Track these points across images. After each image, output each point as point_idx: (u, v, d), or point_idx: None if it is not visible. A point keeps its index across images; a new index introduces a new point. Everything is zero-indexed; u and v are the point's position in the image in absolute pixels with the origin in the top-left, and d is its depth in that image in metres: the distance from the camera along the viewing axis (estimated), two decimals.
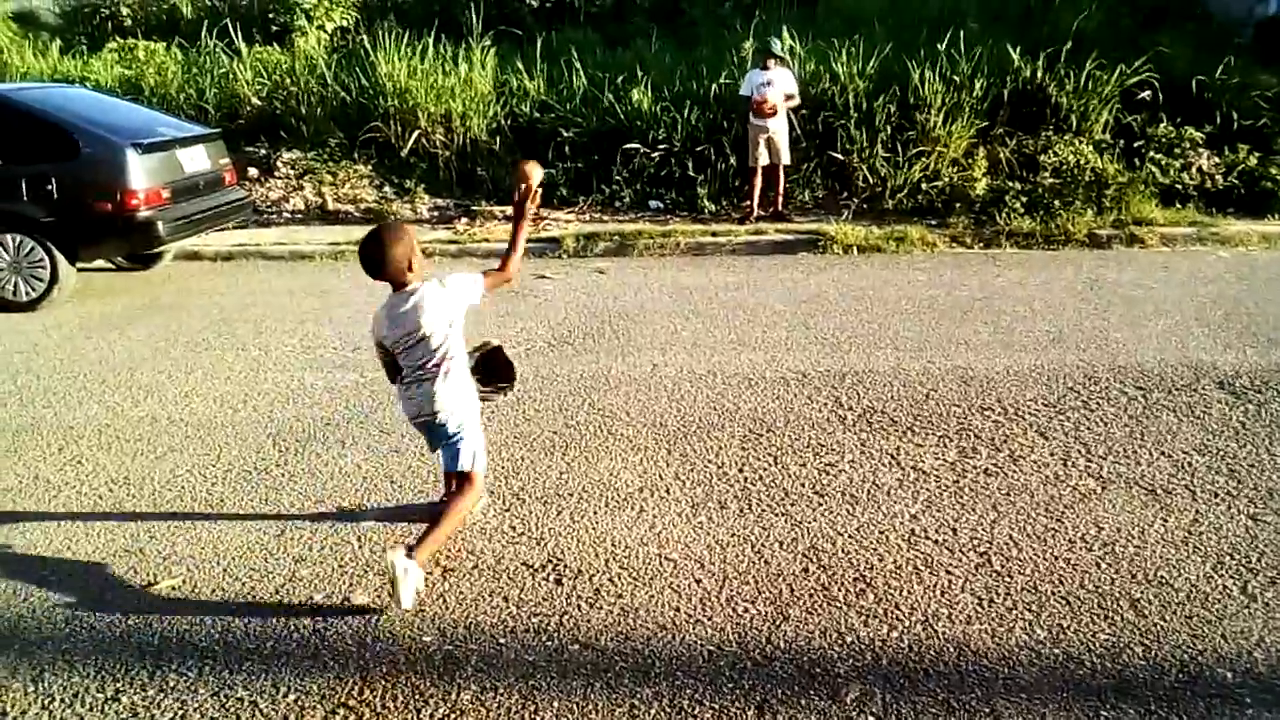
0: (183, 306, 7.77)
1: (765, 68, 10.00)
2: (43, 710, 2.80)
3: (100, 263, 8.65)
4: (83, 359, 6.27)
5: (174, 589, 3.45)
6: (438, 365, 3.34)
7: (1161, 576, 3.36)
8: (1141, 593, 3.26)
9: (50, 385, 5.75)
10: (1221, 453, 4.37)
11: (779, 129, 9.95)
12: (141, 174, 7.48)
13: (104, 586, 3.48)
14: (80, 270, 7.95)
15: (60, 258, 7.52)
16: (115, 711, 2.79)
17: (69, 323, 7.24)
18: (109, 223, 7.48)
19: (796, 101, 10.15)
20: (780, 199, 10.31)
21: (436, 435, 3.45)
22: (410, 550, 3.17)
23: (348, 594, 3.38)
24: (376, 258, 3.24)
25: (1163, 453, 4.39)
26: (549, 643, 3.07)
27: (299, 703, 2.79)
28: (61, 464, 4.59)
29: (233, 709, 2.78)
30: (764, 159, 10.05)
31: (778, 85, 9.91)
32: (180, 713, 2.77)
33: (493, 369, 3.78)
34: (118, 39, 14.28)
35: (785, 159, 10.11)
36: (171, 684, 2.90)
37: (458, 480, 3.50)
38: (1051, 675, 2.85)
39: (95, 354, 6.38)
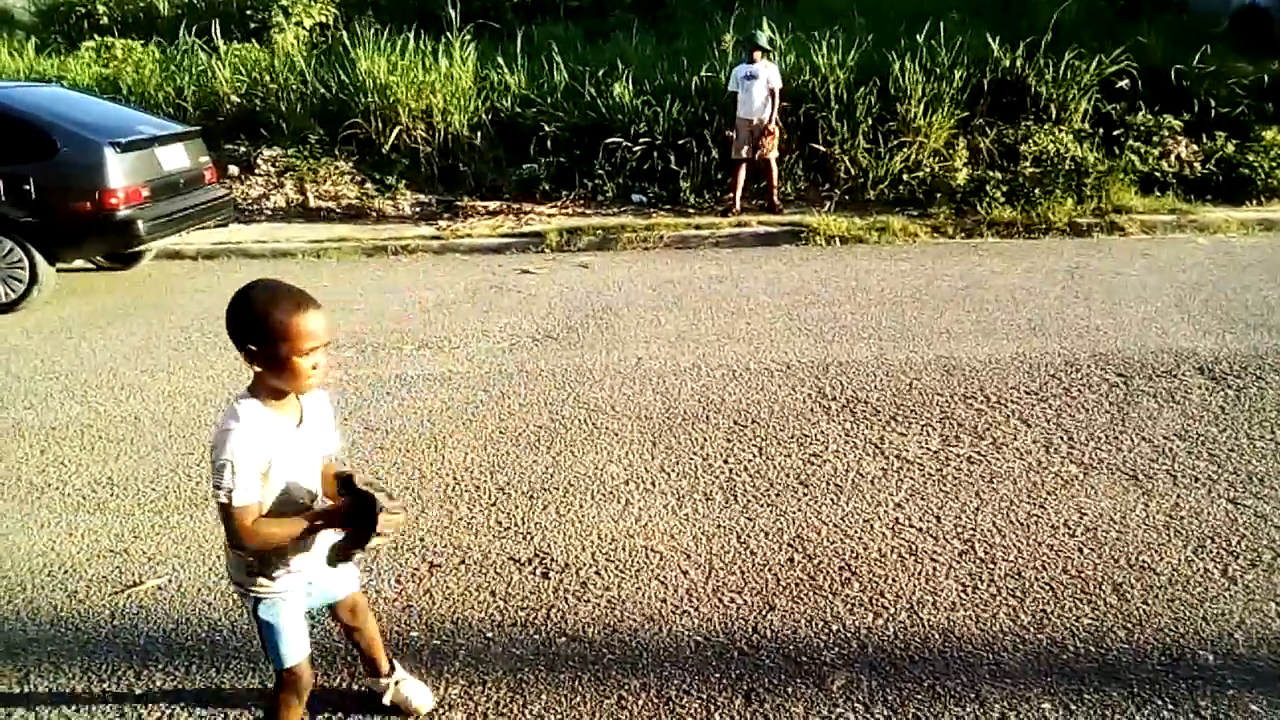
0: (164, 306, 7.73)
1: (751, 60, 10.00)
2: (29, 711, 2.79)
3: (80, 263, 8.60)
4: (64, 359, 6.23)
5: (159, 589, 3.44)
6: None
7: (1143, 561, 3.39)
8: (1124, 577, 3.29)
9: (31, 386, 5.71)
10: (1202, 438, 4.41)
11: (765, 121, 9.93)
12: (120, 173, 7.42)
13: (89, 587, 3.47)
14: (60, 271, 7.89)
15: (39, 258, 7.45)
16: (102, 712, 2.78)
17: (49, 324, 7.19)
18: (88, 222, 7.42)
19: (780, 98, 10.09)
20: (774, 192, 10.31)
21: None
22: None
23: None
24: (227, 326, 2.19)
25: (1144, 438, 4.43)
26: (536, 636, 3.08)
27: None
28: (44, 465, 4.57)
29: (220, 709, 2.77)
30: (747, 152, 10.07)
31: (762, 80, 9.91)
32: (167, 712, 2.76)
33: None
34: (95, 37, 14.19)
35: (773, 152, 10.11)
36: (158, 683, 2.89)
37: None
38: (1036, 660, 2.87)
39: (77, 354, 6.34)
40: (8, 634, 3.20)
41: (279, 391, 2.21)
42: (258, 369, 2.15)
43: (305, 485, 2.30)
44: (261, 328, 2.10)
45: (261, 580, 2.28)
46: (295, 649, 2.37)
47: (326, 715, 2.73)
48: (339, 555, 2.24)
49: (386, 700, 2.75)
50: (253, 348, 2.12)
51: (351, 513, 2.19)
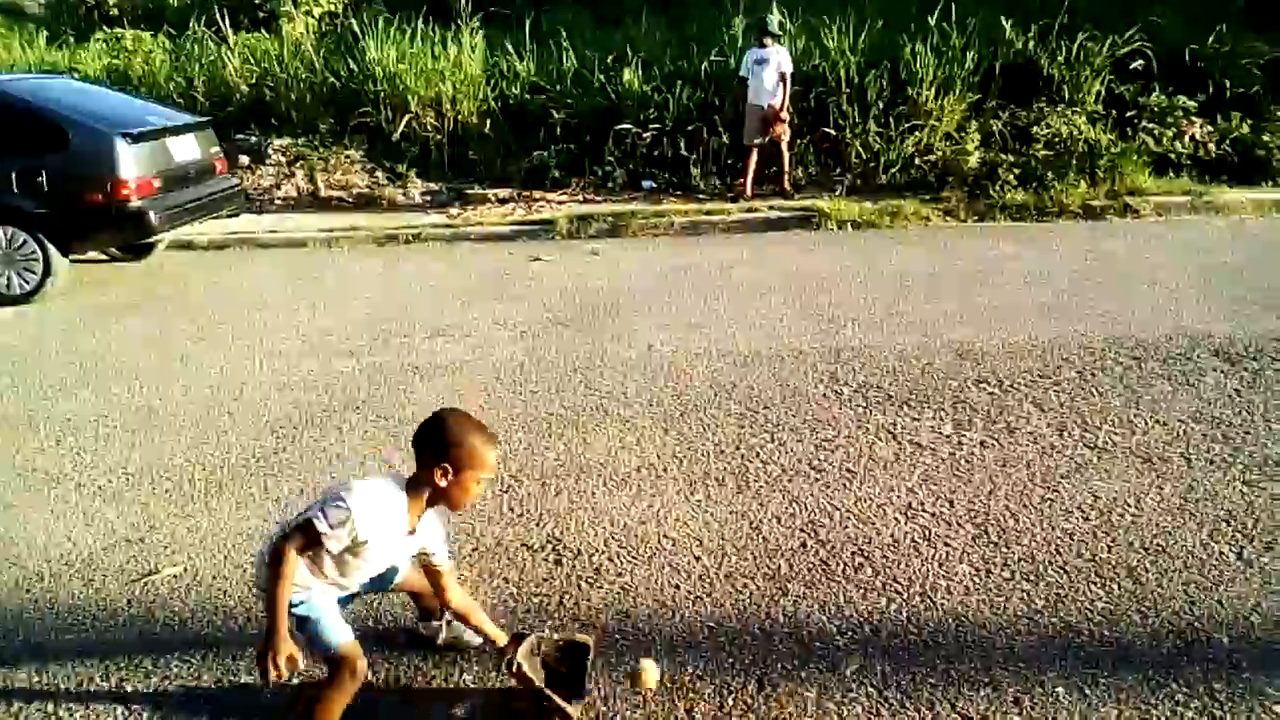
0: (177, 296, 7.76)
1: (762, 45, 9.95)
2: (47, 699, 2.81)
3: (93, 254, 8.63)
4: (78, 350, 6.26)
5: (175, 577, 3.46)
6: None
7: (1158, 544, 3.38)
8: (1138, 560, 3.28)
9: (47, 377, 5.75)
10: (1217, 420, 4.39)
11: (776, 105, 9.88)
12: (132, 164, 7.44)
13: (106, 576, 3.49)
14: (73, 262, 7.92)
15: (52, 250, 7.49)
16: (119, 700, 2.80)
17: (63, 315, 7.22)
18: (100, 214, 7.45)
19: (790, 83, 10.03)
20: (785, 177, 10.28)
21: None
22: None
23: None
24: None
25: (1158, 421, 4.41)
26: (549, 622, 3.09)
27: (301, 688, 2.81)
28: (60, 455, 4.60)
29: (236, 694, 2.79)
30: (758, 136, 10.04)
31: (773, 64, 9.86)
32: (184, 700, 2.79)
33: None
34: (104, 29, 14.21)
35: (784, 136, 10.07)
36: (175, 671, 2.91)
37: None
38: (1050, 644, 2.87)
39: (91, 345, 6.37)
40: (26, 623, 3.22)
41: (422, 500, 2.47)
42: (435, 482, 2.41)
43: (365, 578, 2.58)
44: (459, 451, 2.39)
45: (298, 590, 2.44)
46: (338, 632, 2.48)
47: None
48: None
49: (441, 639, 2.91)
50: (446, 465, 2.39)
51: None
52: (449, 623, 2.91)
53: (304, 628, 2.46)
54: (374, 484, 2.44)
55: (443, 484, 2.41)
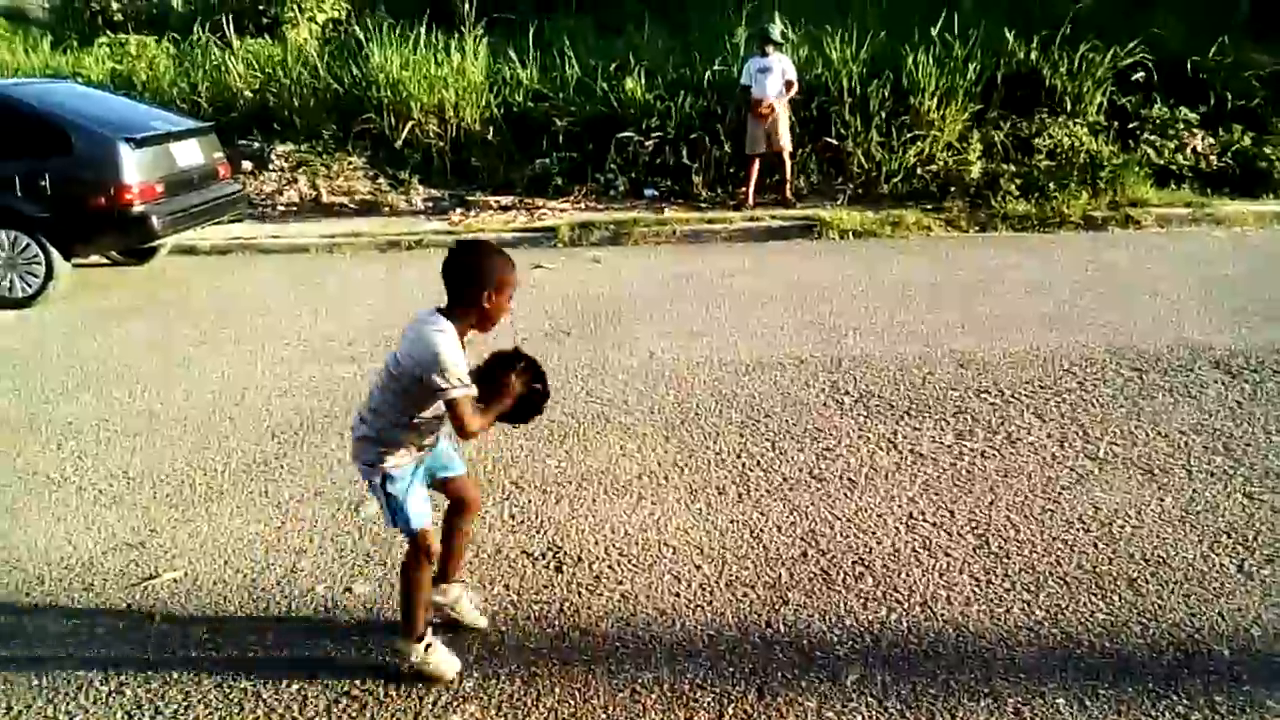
0: (179, 301, 7.76)
1: (764, 54, 9.97)
2: (47, 703, 2.81)
3: (95, 258, 8.64)
4: (80, 354, 6.26)
5: (176, 582, 3.46)
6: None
7: (1159, 556, 3.38)
8: (1139, 572, 3.28)
9: (48, 381, 5.75)
10: (1218, 432, 4.39)
11: (779, 115, 9.91)
12: (135, 168, 7.46)
13: (106, 580, 3.49)
14: (76, 266, 7.93)
15: (55, 254, 7.50)
16: (119, 704, 2.80)
17: (65, 318, 7.23)
18: (103, 218, 7.46)
19: (795, 90, 10.08)
20: (788, 186, 10.29)
21: None
22: (397, 635, 2.91)
23: (349, 584, 3.40)
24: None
25: (1159, 433, 4.41)
26: (549, 630, 3.09)
27: (302, 692, 2.81)
28: (61, 459, 4.60)
29: (236, 699, 2.79)
30: (761, 145, 10.05)
31: (776, 71, 9.89)
32: (184, 704, 2.78)
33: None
34: (108, 34, 14.24)
35: (786, 146, 10.09)
36: (175, 676, 2.91)
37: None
38: (1050, 655, 2.87)
39: (92, 349, 6.38)
40: (26, 627, 3.22)
41: (467, 327, 2.69)
42: (481, 304, 2.65)
43: (437, 430, 2.86)
44: (492, 276, 2.65)
45: (390, 459, 2.74)
46: (420, 515, 2.78)
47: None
48: (524, 418, 2.93)
49: (447, 601, 3.06)
50: (483, 290, 2.63)
51: (524, 392, 2.80)
52: (459, 597, 3.09)
53: (391, 504, 2.76)
54: (429, 329, 2.60)
55: (487, 306, 2.65)
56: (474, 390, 2.63)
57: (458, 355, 2.59)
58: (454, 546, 3.07)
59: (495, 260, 2.69)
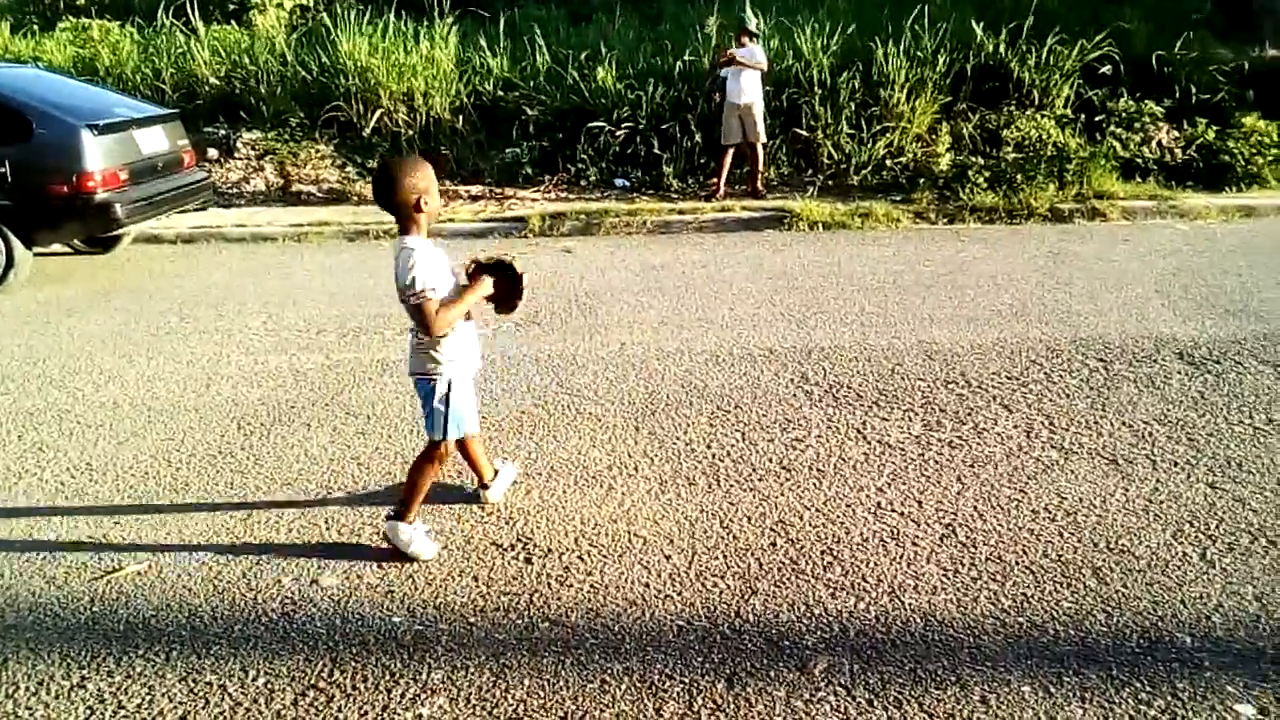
0: (143, 290, 7.66)
1: (740, 44, 9.95)
2: (7, 699, 2.76)
3: (58, 247, 8.50)
4: (41, 344, 6.17)
5: (139, 575, 3.42)
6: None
7: (1123, 544, 3.42)
8: (1103, 561, 3.32)
9: (8, 371, 5.66)
10: (1181, 422, 4.44)
11: (754, 105, 9.88)
12: (98, 155, 7.34)
13: (68, 573, 3.44)
14: (37, 254, 7.80)
15: (15, 242, 7.38)
16: (81, 699, 2.76)
17: (26, 308, 7.11)
18: (65, 206, 7.35)
19: (764, 66, 9.98)
20: (759, 177, 10.29)
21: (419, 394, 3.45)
22: (393, 516, 3.47)
23: (316, 577, 3.37)
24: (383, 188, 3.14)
25: (1124, 423, 4.46)
26: (519, 621, 3.08)
27: (268, 685, 2.78)
28: (22, 451, 4.53)
29: (201, 693, 2.76)
30: (736, 136, 10.04)
31: (755, 61, 9.86)
32: (148, 698, 2.75)
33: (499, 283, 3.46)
34: (71, 18, 14.02)
35: (761, 137, 10.09)
36: (138, 670, 2.87)
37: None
38: (1016, 643, 2.89)
39: (54, 339, 6.28)
40: None
41: (424, 231, 3.17)
42: (423, 209, 3.11)
43: (456, 284, 3.32)
44: (416, 184, 3.09)
45: (442, 365, 3.26)
46: (457, 426, 3.34)
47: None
48: (506, 308, 3.49)
49: (505, 486, 3.89)
50: (414, 198, 3.09)
51: (501, 280, 3.39)
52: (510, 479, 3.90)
53: (439, 408, 3.29)
54: (402, 250, 3.11)
55: (425, 208, 3.10)
56: (435, 295, 3.09)
57: (425, 265, 3.07)
58: (473, 456, 3.70)
59: (410, 170, 3.11)
